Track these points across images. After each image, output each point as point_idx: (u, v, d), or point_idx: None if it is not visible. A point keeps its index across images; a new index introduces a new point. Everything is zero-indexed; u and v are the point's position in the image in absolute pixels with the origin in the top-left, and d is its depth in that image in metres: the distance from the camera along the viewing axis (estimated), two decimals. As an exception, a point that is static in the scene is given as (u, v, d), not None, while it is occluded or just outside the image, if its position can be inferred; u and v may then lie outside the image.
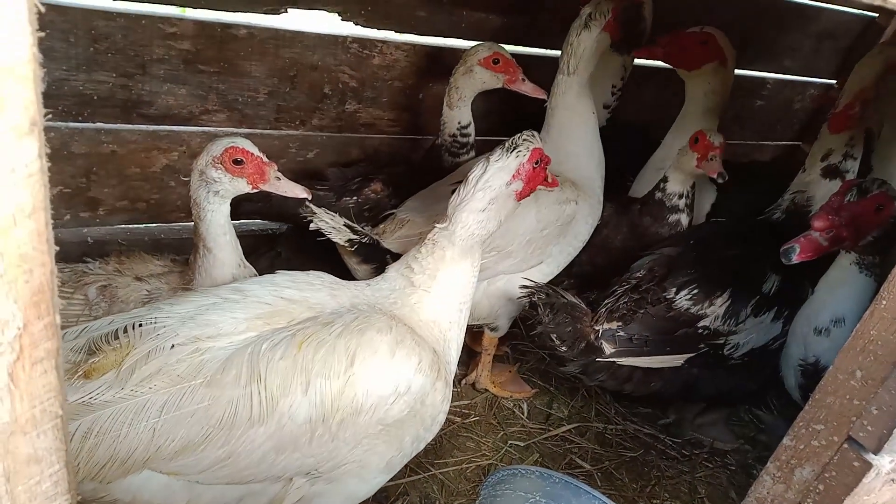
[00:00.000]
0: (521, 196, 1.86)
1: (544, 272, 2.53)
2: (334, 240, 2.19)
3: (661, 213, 2.77)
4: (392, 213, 2.49)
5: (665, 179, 2.75)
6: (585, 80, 2.54)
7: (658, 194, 2.77)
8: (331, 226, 2.17)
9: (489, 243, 2.34)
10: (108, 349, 1.51)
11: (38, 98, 0.61)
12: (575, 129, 2.58)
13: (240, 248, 2.10)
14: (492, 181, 1.78)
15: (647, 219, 2.80)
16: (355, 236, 2.20)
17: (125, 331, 1.54)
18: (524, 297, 2.33)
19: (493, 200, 1.78)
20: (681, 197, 2.74)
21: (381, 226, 2.44)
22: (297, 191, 2.05)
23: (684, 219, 2.78)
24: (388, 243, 2.32)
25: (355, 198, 2.69)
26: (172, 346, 1.52)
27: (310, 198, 2.08)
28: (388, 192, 2.71)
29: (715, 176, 2.52)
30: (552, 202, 2.41)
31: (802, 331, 2.28)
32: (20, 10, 0.58)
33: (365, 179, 2.73)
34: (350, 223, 2.21)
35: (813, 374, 2.23)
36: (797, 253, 2.03)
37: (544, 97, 2.63)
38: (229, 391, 1.49)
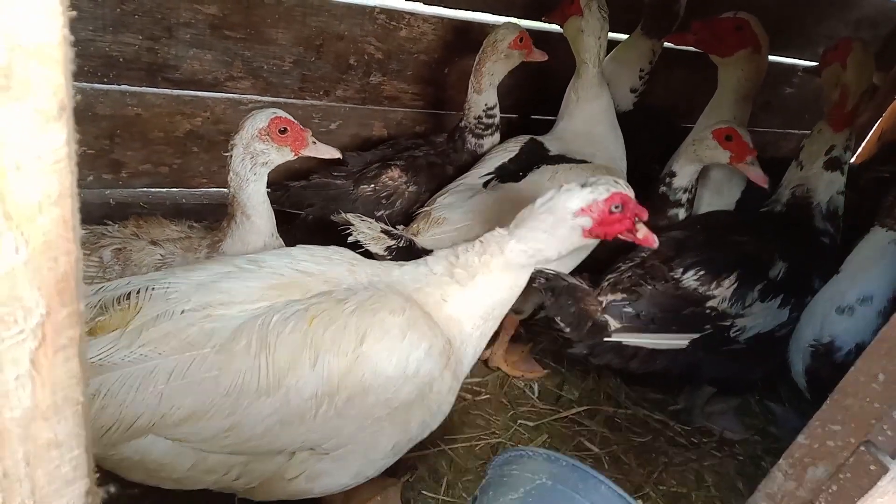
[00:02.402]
0: (590, 235, 1.75)
1: (575, 259, 2.52)
2: (372, 250, 2.14)
3: (663, 208, 2.75)
4: (426, 211, 2.45)
5: (673, 174, 2.73)
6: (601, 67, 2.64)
7: (662, 188, 2.75)
8: (370, 237, 2.14)
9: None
10: (116, 309, 1.51)
11: (67, 81, 0.60)
12: (602, 114, 2.62)
13: (274, 217, 2.14)
14: (557, 205, 1.70)
15: None
16: (392, 242, 2.16)
17: (138, 293, 1.54)
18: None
19: (554, 226, 1.70)
20: (685, 191, 2.73)
21: (415, 225, 2.41)
22: (332, 152, 2.15)
23: (682, 213, 2.76)
24: (423, 242, 2.30)
25: (372, 185, 2.66)
26: (183, 311, 1.52)
27: (341, 157, 2.19)
28: (407, 178, 2.69)
29: (766, 186, 2.53)
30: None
31: (822, 310, 2.28)
32: (51, -9, 0.56)
33: (383, 165, 2.71)
34: (386, 228, 2.18)
35: (824, 355, 2.24)
36: None
37: (545, 58, 2.68)
38: (238, 360, 1.49)
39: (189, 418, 1.46)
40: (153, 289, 1.55)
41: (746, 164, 2.53)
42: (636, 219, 1.81)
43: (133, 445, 1.50)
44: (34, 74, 0.57)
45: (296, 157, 2.07)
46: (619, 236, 1.81)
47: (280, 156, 2.03)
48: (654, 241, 1.86)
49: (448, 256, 1.77)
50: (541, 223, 1.70)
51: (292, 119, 2.03)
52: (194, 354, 1.47)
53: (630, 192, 1.77)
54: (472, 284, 1.73)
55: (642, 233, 1.84)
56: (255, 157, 2.00)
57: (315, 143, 2.10)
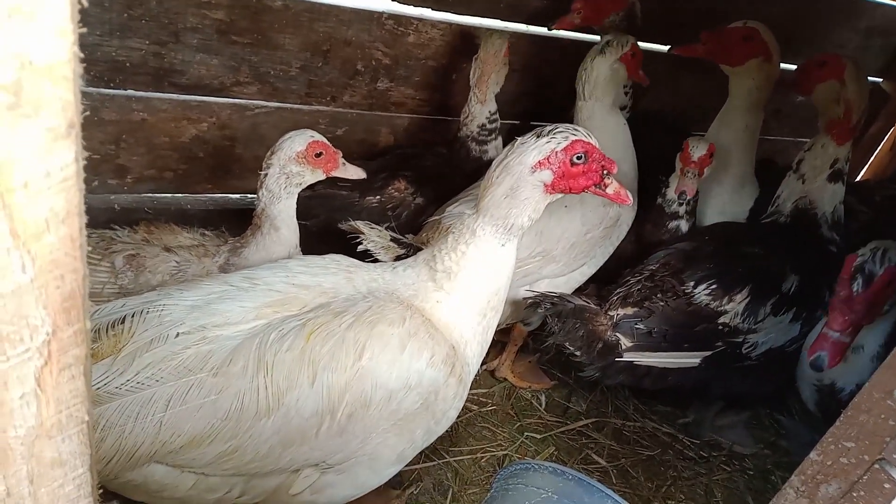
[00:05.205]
0: (553, 190, 1.60)
1: (586, 273, 2.51)
2: (381, 259, 2.11)
3: (661, 220, 2.75)
4: (435, 219, 2.43)
5: (667, 185, 2.74)
6: (609, 103, 2.58)
7: (658, 199, 2.76)
8: (380, 245, 2.13)
9: (532, 249, 2.30)
10: (109, 335, 1.49)
11: (76, 99, 0.59)
12: (609, 140, 2.59)
13: (298, 230, 2.20)
14: (512, 163, 1.57)
15: (648, 226, 2.78)
16: (402, 251, 2.14)
17: (133, 316, 1.51)
18: (530, 306, 2.29)
19: (514, 188, 1.57)
20: (680, 203, 2.71)
21: (424, 234, 2.39)
22: (359, 173, 2.24)
23: (684, 225, 2.75)
24: None
25: (378, 196, 2.67)
26: (178, 334, 1.49)
27: (366, 177, 2.23)
28: (412, 189, 2.71)
29: (676, 194, 2.62)
30: (597, 204, 2.40)
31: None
32: (62, 6, 0.55)
33: (389, 176, 2.71)
34: (396, 236, 2.17)
35: (829, 394, 2.21)
36: (827, 363, 1.96)
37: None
38: (236, 383, 1.45)
39: (190, 444, 1.44)
40: (147, 311, 1.52)
41: (682, 175, 2.61)
42: (604, 172, 1.66)
43: (135, 471, 1.48)
44: (44, 93, 0.56)
45: (325, 177, 2.16)
46: (587, 191, 1.67)
47: (313, 176, 2.13)
48: (627, 198, 1.71)
49: (428, 261, 1.69)
50: (500, 187, 1.58)
51: (328, 143, 2.10)
52: (191, 379, 1.44)
53: (594, 142, 1.62)
54: (457, 285, 1.64)
55: (612, 188, 1.68)
56: (290, 178, 2.09)
57: (345, 164, 2.18)
